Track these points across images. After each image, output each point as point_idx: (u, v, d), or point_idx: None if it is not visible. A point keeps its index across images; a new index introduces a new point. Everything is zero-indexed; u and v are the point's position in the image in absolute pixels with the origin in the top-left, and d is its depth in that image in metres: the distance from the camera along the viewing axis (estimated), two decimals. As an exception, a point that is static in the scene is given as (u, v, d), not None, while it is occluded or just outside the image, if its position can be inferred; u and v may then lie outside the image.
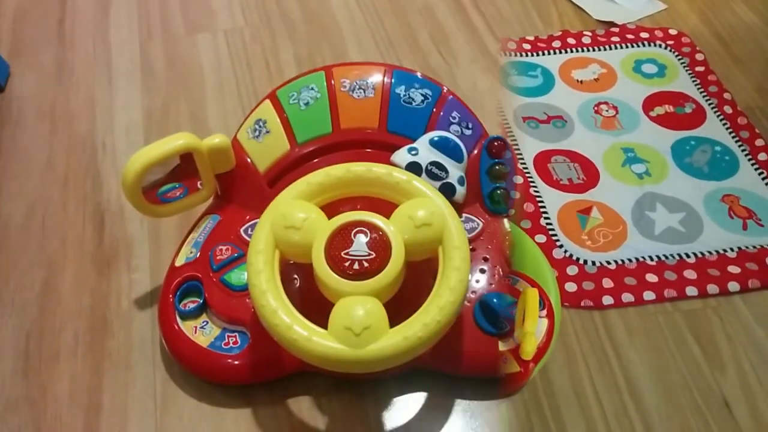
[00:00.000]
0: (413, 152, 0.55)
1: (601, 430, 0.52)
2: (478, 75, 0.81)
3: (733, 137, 0.72)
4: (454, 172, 0.56)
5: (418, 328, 0.44)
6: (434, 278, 0.47)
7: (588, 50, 0.83)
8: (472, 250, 0.55)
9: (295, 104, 0.58)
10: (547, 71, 0.80)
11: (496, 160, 0.58)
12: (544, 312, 0.55)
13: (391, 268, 0.46)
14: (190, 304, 0.55)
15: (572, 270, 0.61)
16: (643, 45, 0.83)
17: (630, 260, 0.62)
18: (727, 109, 0.75)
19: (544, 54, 0.82)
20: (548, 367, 0.55)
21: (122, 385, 0.54)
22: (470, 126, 0.59)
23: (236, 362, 0.52)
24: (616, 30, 0.85)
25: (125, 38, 0.86)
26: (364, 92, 0.58)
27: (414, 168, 0.54)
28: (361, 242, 0.47)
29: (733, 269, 0.61)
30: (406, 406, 0.53)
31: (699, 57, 0.81)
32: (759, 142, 0.71)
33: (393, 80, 0.59)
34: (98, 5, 0.90)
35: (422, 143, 0.56)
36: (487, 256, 0.56)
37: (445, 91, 0.60)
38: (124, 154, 0.71)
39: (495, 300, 0.52)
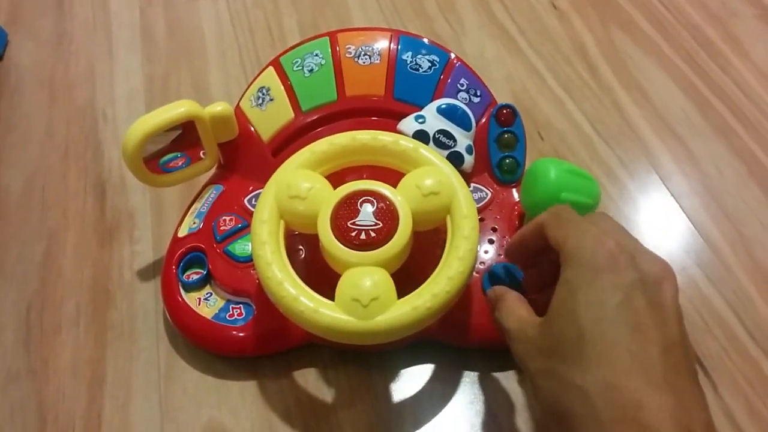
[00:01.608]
0: (420, 120, 0.54)
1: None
2: (486, 41, 0.79)
3: None
4: (462, 140, 0.54)
5: (427, 299, 0.43)
6: (442, 248, 0.46)
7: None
8: (481, 220, 0.55)
9: (299, 71, 0.57)
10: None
11: (505, 129, 0.57)
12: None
13: (399, 238, 0.45)
14: (194, 275, 0.54)
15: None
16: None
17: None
18: None
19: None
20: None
21: (125, 357, 0.53)
22: (479, 93, 0.58)
23: (241, 334, 0.51)
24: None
25: (125, 5, 0.84)
26: (370, 58, 0.57)
27: (421, 136, 0.53)
28: (367, 212, 0.46)
29: None
30: (414, 377, 0.52)
31: None
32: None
33: (399, 46, 0.58)
34: (97, -28, 0.88)
35: (429, 111, 0.55)
36: (496, 227, 0.55)
37: (452, 57, 0.59)
38: (125, 123, 0.70)
39: (502, 269, 0.51)
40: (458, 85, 0.57)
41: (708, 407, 0.36)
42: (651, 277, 0.39)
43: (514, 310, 0.44)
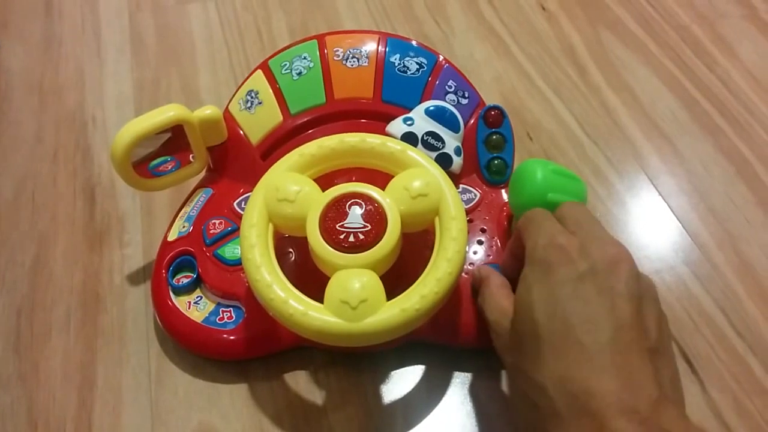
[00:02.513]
0: (409, 122, 0.54)
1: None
2: (475, 43, 0.79)
3: None
4: (451, 142, 0.55)
5: (415, 300, 0.43)
6: (431, 250, 0.46)
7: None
8: (470, 221, 0.55)
9: (287, 74, 0.57)
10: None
11: (493, 130, 0.58)
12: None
13: (387, 240, 0.45)
14: (184, 279, 0.54)
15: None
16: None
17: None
18: None
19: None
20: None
21: (116, 361, 0.53)
22: (467, 95, 0.58)
23: (231, 337, 0.51)
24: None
25: (114, 10, 0.84)
26: (358, 61, 0.57)
27: (410, 138, 0.53)
28: (356, 214, 0.46)
29: None
30: (404, 378, 0.52)
31: None
32: None
33: (387, 48, 0.58)
34: (86, -24, 0.88)
35: (418, 113, 0.55)
36: (485, 228, 0.55)
37: (440, 59, 0.59)
38: (114, 127, 0.70)
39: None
40: (446, 87, 0.58)
41: (660, 382, 0.37)
42: (601, 264, 0.40)
43: (496, 298, 0.46)
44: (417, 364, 0.53)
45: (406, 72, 0.57)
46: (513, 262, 0.47)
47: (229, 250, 0.53)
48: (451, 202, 0.47)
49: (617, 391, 0.35)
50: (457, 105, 0.57)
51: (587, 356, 0.37)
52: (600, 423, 0.35)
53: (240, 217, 0.50)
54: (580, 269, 0.40)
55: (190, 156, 0.57)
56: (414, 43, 0.59)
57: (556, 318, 0.39)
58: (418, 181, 0.47)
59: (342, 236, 0.45)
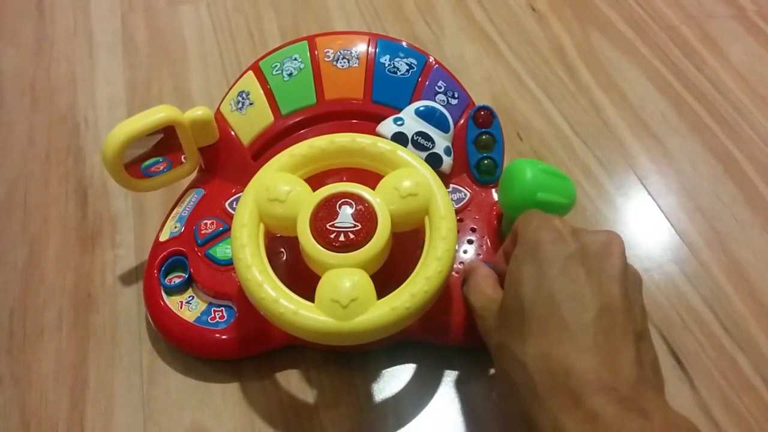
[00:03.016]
0: (399, 122, 0.54)
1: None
2: (465, 44, 0.80)
3: None
4: (441, 142, 0.55)
5: (405, 299, 0.44)
6: (421, 249, 0.47)
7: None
8: (460, 220, 0.55)
9: (278, 75, 0.57)
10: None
11: (483, 130, 0.58)
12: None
13: (378, 240, 0.46)
14: (176, 279, 0.54)
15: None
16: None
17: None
18: None
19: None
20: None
21: (108, 361, 0.54)
22: (456, 95, 0.59)
23: (223, 337, 0.52)
24: None
25: (106, 11, 0.85)
26: (348, 62, 0.57)
27: (400, 138, 0.53)
28: (346, 214, 0.46)
29: None
30: (396, 377, 0.53)
31: None
32: None
33: (377, 49, 0.58)
34: (78, -22, 0.88)
35: (408, 113, 0.55)
36: (475, 227, 0.56)
37: (430, 60, 0.59)
38: (106, 129, 0.70)
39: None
40: (436, 87, 0.58)
41: (642, 365, 0.37)
42: (593, 247, 0.41)
43: (481, 286, 0.46)
44: (408, 362, 0.54)
45: (396, 73, 0.57)
46: (505, 260, 0.47)
47: (221, 250, 0.54)
48: (441, 201, 0.47)
49: (597, 370, 0.36)
50: (447, 105, 0.57)
51: (570, 334, 0.37)
52: (578, 400, 0.35)
53: (231, 217, 0.50)
54: (571, 248, 0.40)
55: (182, 157, 0.57)
56: (404, 44, 0.60)
57: (542, 295, 0.39)
58: (408, 181, 0.48)
59: (332, 236, 0.46)
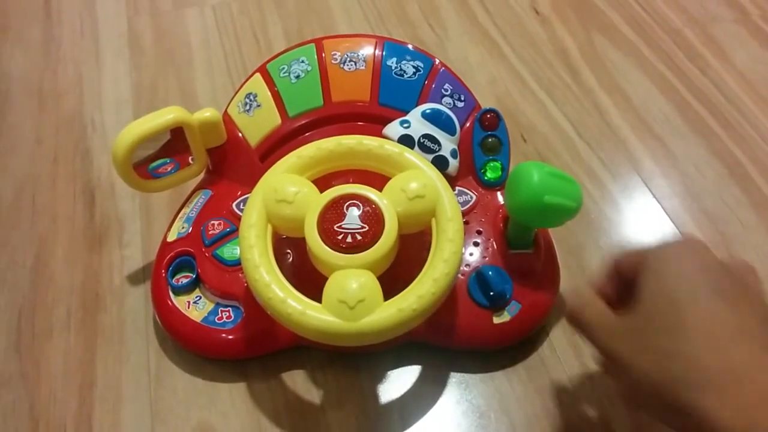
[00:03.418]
0: (405, 125, 0.55)
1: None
2: (469, 47, 0.80)
3: None
4: (447, 144, 0.55)
5: (412, 300, 0.44)
6: (428, 251, 0.47)
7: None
8: (466, 223, 0.55)
9: (285, 77, 0.58)
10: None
11: (489, 133, 0.58)
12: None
13: (385, 241, 0.46)
14: (183, 279, 0.54)
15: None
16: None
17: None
18: None
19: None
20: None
21: (116, 360, 0.54)
22: (462, 98, 0.59)
23: (230, 337, 0.52)
24: None
25: (112, 14, 0.85)
26: (355, 65, 0.58)
27: (406, 141, 0.54)
28: (353, 215, 0.47)
29: None
30: (401, 379, 0.53)
31: None
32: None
33: (384, 52, 0.58)
34: (85, -19, 0.89)
35: (414, 116, 0.55)
36: (481, 229, 0.56)
37: (436, 63, 0.60)
38: (113, 130, 0.71)
39: (491, 273, 0.52)
40: (442, 90, 0.58)
41: None
42: (734, 266, 0.41)
43: (593, 302, 0.45)
44: (414, 364, 0.54)
45: (402, 75, 0.58)
46: (609, 283, 0.46)
47: (228, 251, 0.54)
48: (448, 203, 0.47)
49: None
50: (453, 108, 0.58)
51: (742, 335, 0.37)
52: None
53: (239, 218, 0.50)
54: (716, 263, 0.41)
55: (190, 158, 0.57)
56: (410, 46, 0.60)
57: (700, 295, 0.39)
58: (415, 183, 0.48)
59: (340, 237, 0.46)
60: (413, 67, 0.58)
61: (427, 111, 0.56)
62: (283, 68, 0.58)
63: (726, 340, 0.37)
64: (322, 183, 0.50)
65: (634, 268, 0.43)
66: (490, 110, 0.58)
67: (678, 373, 0.38)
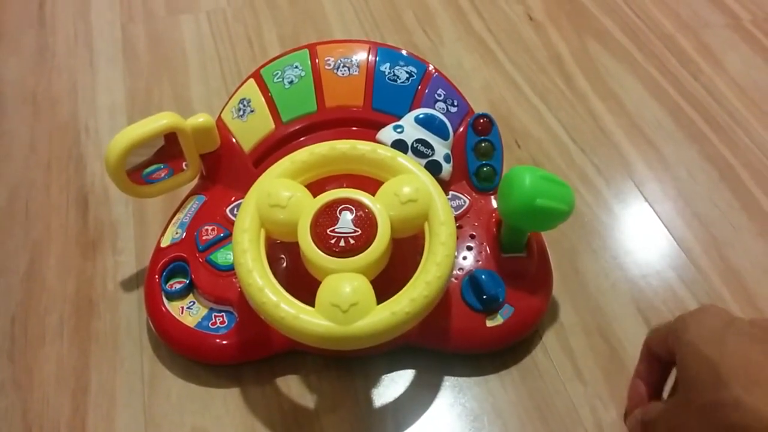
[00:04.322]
0: (399, 130, 0.55)
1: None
2: (463, 53, 0.80)
3: None
4: (440, 149, 0.55)
5: (405, 304, 0.44)
6: (421, 255, 0.47)
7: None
8: (459, 227, 0.56)
9: (279, 83, 0.58)
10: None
11: (482, 137, 0.58)
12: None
13: (378, 245, 0.46)
14: (177, 284, 0.54)
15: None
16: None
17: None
18: None
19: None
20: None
21: (109, 366, 0.54)
22: (456, 103, 0.59)
23: (224, 342, 0.52)
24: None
25: (106, 21, 0.85)
26: (349, 70, 0.58)
27: (400, 146, 0.54)
28: (346, 219, 0.47)
29: None
30: (395, 382, 0.53)
31: None
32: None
33: (377, 58, 0.59)
34: (79, -12, 0.89)
35: (408, 121, 0.56)
36: (474, 234, 0.56)
37: (430, 68, 0.60)
38: (107, 136, 0.71)
39: (483, 277, 0.53)
40: (436, 95, 0.59)
41: None
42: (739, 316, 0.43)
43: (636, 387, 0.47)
44: (407, 368, 0.54)
45: (396, 81, 0.58)
46: (649, 368, 0.48)
47: (222, 256, 0.54)
48: (440, 207, 0.48)
49: None
50: (447, 113, 0.58)
51: None
52: None
53: (232, 223, 0.50)
54: (728, 317, 0.42)
55: (183, 163, 0.57)
56: (404, 52, 0.60)
57: (727, 347, 0.40)
58: (408, 187, 0.48)
59: (333, 241, 0.46)
60: (406, 72, 0.58)
61: (421, 116, 0.56)
62: (277, 74, 0.58)
63: (764, 379, 0.38)
64: (316, 187, 0.50)
65: (666, 343, 0.44)
66: (483, 115, 0.59)
67: (726, 421, 0.38)
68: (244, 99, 0.58)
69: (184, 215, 0.57)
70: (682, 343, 0.42)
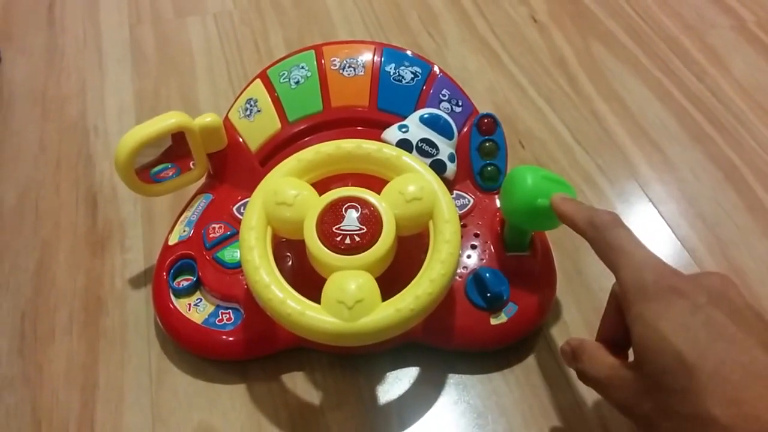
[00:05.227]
0: (403, 129, 0.55)
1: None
2: (468, 54, 0.81)
3: None
4: (445, 149, 0.56)
5: (410, 301, 0.44)
6: (425, 253, 0.48)
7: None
8: (463, 226, 0.56)
9: (285, 83, 0.58)
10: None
11: (487, 137, 0.59)
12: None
13: (383, 243, 0.47)
14: (184, 281, 0.55)
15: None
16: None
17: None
18: None
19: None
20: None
21: (117, 362, 0.55)
22: (460, 103, 0.60)
23: (230, 338, 0.53)
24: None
25: (115, 22, 0.86)
26: (354, 70, 0.58)
27: (404, 145, 0.54)
28: (352, 217, 0.47)
29: None
30: (400, 379, 0.54)
31: None
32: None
33: (383, 58, 0.59)
34: (88, -10, 0.90)
35: (412, 120, 0.56)
36: (478, 232, 0.56)
37: (434, 68, 0.60)
38: (115, 136, 0.72)
39: (488, 275, 0.53)
40: (440, 95, 0.59)
41: None
42: (716, 291, 0.39)
43: (600, 357, 0.43)
44: (412, 365, 0.54)
45: (401, 81, 0.59)
46: (611, 327, 0.46)
47: (229, 254, 0.55)
48: (445, 205, 0.48)
49: None
50: (451, 113, 0.58)
51: (753, 375, 0.35)
52: None
53: (239, 221, 0.51)
54: (702, 299, 0.38)
55: (191, 163, 0.58)
56: (409, 52, 0.61)
57: (701, 344, 0.37)
58: (413, 186, 0.49)
59: (338, 239, 0.47)
60: (411, 72, 0.59)
61: (425, 116, 0.56)
62: (283, 74, 0.59)
63: (741, 388, 0.35)
64: (322, 186, 0.50)
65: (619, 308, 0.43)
66: (488, 115, 0.59)
67: None
68: (251, 99, 0.59)
69: (192, 213, 0.58)
70: (647, 333, 0.39)
